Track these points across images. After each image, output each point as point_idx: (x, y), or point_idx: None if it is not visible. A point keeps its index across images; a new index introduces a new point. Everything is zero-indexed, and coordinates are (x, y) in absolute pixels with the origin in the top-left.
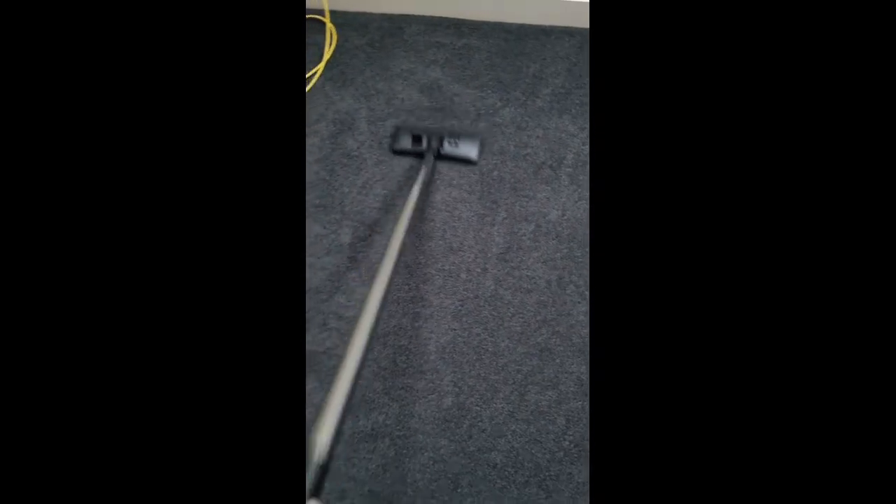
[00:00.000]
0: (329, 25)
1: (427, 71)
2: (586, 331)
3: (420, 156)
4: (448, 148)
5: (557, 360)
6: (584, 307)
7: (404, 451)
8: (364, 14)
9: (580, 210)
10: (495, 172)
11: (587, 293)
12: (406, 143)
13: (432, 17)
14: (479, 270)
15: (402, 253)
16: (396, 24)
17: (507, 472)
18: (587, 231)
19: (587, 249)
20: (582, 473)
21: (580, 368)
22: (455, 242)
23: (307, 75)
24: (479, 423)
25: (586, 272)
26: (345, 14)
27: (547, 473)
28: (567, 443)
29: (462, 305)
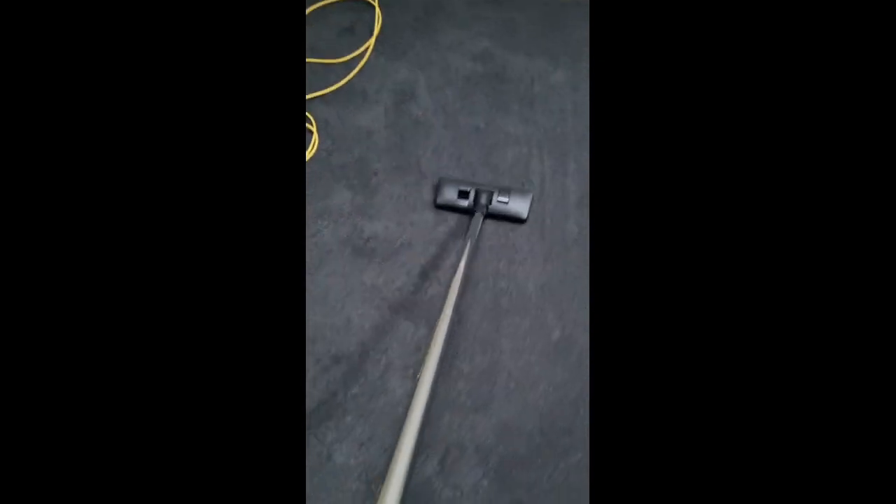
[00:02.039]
0: (375, 3)
1: (476, 41)
2: None
3: (466, 212)
4: (497, 205)
5: None
6: None
7: (524, 383)
8: None
9: None
10: (558, 129)
11: None
12: (451, 195)
13: None
14: (561, 217)
15: (450, 336)
16: (436, 1)
17: None
18: None
19: None
20: None
21: None
22: (535, 194)
23: (362, 50)
24: (587, 351)
25: None
26: None
27: None
28: None
29: (551, 249)
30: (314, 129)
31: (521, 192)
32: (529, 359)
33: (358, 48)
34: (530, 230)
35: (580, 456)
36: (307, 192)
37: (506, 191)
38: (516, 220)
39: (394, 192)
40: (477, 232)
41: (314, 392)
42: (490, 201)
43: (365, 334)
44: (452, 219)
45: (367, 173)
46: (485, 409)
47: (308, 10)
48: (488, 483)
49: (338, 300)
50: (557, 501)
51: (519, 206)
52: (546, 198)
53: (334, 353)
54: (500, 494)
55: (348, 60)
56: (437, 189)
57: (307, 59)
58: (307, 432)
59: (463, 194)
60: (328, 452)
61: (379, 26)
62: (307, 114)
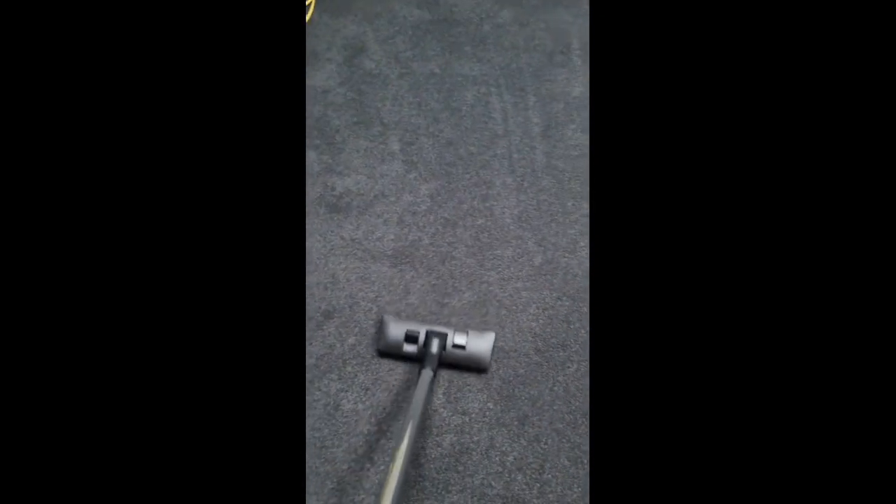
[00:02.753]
0: None
1: None
2: None
3: (414, 360)
4: (453, 349)
5: None
6: None
7: (514, 308)
8: None
9: None
10: (513, 65)
11: None
12: (396, 341)
13: None
14: (527, 149)
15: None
16: None
17: None
18: None
19: None
20: None
21: None
22: (499, 130)
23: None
24: (571, 271)
25: None
26: None
27: None
28: None
29: (523, 180)
30: None
31: (480, 331)
32: (516, 285)
33: None
34: (499, 165)
35: (576, 367)
36: None
37: (462, 330)
38: (477, 370)
39: (360, 147)
40: (422, 401)
41: (312, 349)
42: (444, 346)
43: (352, 287)
44: (424, 164)
45: (329, 132)
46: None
47: None
48: (493, 404)
49: (320, 258)
50: (560, 410)
51: (479, 345)
52: (510, 133)
53: (325, 308)
54: (506, 412)
55: None
56: (378, 331)
57: None
58: (311, 386)
59: (411, 339)
60: (335, 402)
61: None
62: None
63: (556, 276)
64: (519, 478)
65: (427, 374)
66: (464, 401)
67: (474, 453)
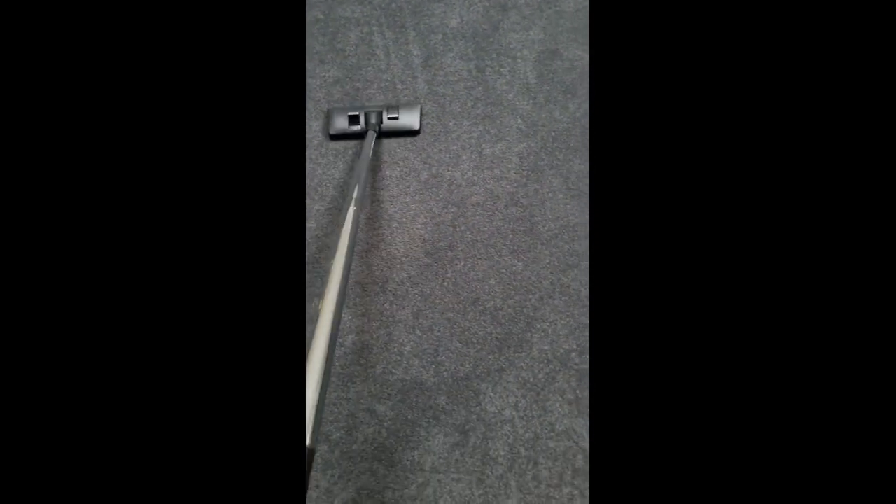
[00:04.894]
0: None
1: None
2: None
3: (360, 136)
4: (389, 122)
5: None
6: (511, 69)
7: (404, 220)
8: None
9: (476, 13)
10: (394, 4)
11: (507, 68)
12: (342, 124)
13: None
14: (409, 80)
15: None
16: None
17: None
18: (491, 26)
19: (495, 41)
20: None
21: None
22: (381, 65)
23: None
24: (455, 181)
25: (506, 59)
26: None
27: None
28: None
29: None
30: None
31: (409, 105)
32: (405, 200)
33: None
34: (384, 97)
35: (463, 263)
36: None
37: (394, 107)
38: (409, 132)
39: None
40: (370, 153)
41: None
42: (381, 120)
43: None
44: (313, 102)
45: None
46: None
47: None
48: (389, 305)
49: None
50: (451, 301)
51: (410, 118)
52: (392, 66)
53: None
54: (401, 310)
55: None
56: (327, 119)
57: None
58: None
59: (353, 119)
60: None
61: None
62: None
63: (440, 188)
64: (416, 363)
65: (371, 135)
66: (363, 305)
67: (374, 348)
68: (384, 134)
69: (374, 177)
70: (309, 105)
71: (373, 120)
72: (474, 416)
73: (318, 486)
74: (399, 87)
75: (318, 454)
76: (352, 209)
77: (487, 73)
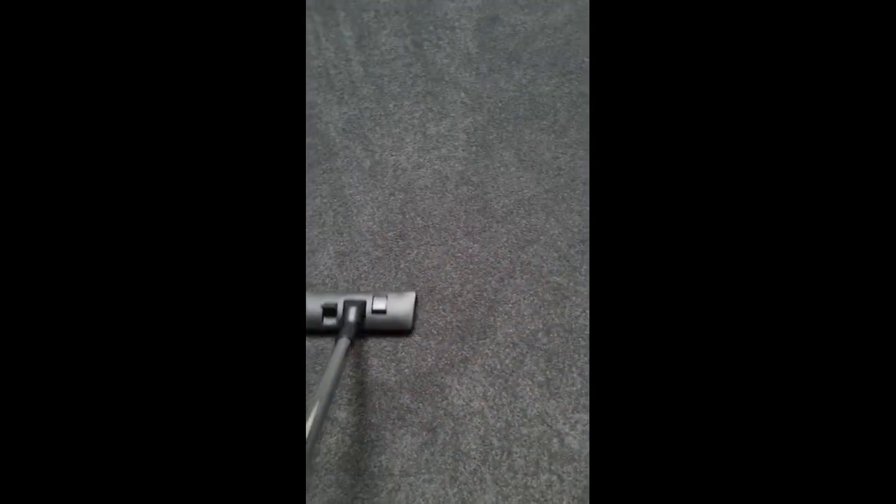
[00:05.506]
0: None
1: None
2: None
3: (335, 333)
4: (373, 314)
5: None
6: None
7: (349, 213)
8: None
9: None
10: None
11: (446, 40)
12: (314, 317)
13: None
14: (343, 63)
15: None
16: None
17: None
18: None
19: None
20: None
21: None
22: (312, 50)
23: None
24: (400, 166)
25: (444, 30)
26: None
27: None
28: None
29: (342, 93)
30: None
31: (400, 292)
32: (349, 191)
33: None
34: (318, 84)
35: (415, 251)
36: None
37: (381, 295)
38: (398, 332)
39: None
40: (339, 362)
41: None
42: (363, 316)
43: None
44: None
45: None
46: None
47: None
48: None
49: None
50: (405, 289)
51: (400, 307)
52: (324, 51)
53: None
54: None
55: None
56: None
57: None
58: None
59: (329, 312)
60: None
61: None
62: None
63: (385, 175)
64: (375, 363)
65: (343, 342)
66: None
67: (330, 352)
68: (366, 333)
69: None
70: None
71: (352, 317)
72: (441, 412)
73: None
74: (332, 72)
75: None
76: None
77: (426, 48)
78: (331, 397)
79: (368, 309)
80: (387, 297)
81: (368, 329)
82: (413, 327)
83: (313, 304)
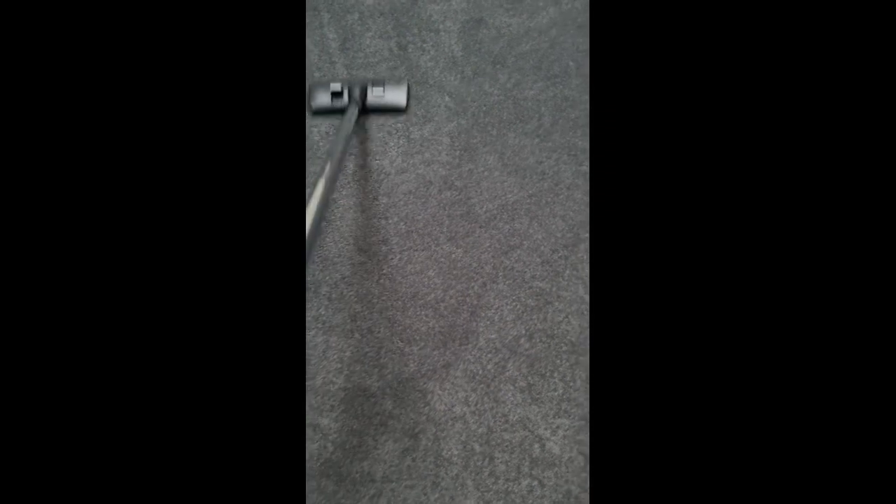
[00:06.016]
0: None
1: None
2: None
3: (344, 112)
4: (373, 98)
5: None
6: None
7: (332, 218)
8: None
9: None
10: None
11: (431, 42)
12: (324, 99)
13: None
14: (327, 66)
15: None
16: None
17: None
18: None
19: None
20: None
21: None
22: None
23: None
24: (384, 170)
25: (428, 33)
26: None
27: None
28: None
29: None
30: None
31: (396, 81)
32: (332, 196)
33: None
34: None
35: (398, 257)
36: None
37: (379, 83)
38: (395, 110)
39: None
40: (351, 127)
41: None
42: (365, 95)
43: None
44: None
45: None
46: None
47: None
48: (324, 310)
49: None
50: (389, 298)
51: (396, 95)
52: (308, 52)
53: None
54: (336, 314)
55: None
56: (309, 95)
57: None
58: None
59: (336, 94)
60: None
61: None
62: None
63: (368, 180)
64: (357, 368)
65: (353, 110)
66: None
67: (312, 357)
68: (368, 110)
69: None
70: None
71: (357, 94)
72: (423, 418)
73: None
74: (316, 75)
75: None
76: (321, 183)
77: (410, 50)
78: (341, 161)
79: (369, 91)
80: (384, 83)
81: (371, 108)
82: (408, 106)
83: (323, 93)
